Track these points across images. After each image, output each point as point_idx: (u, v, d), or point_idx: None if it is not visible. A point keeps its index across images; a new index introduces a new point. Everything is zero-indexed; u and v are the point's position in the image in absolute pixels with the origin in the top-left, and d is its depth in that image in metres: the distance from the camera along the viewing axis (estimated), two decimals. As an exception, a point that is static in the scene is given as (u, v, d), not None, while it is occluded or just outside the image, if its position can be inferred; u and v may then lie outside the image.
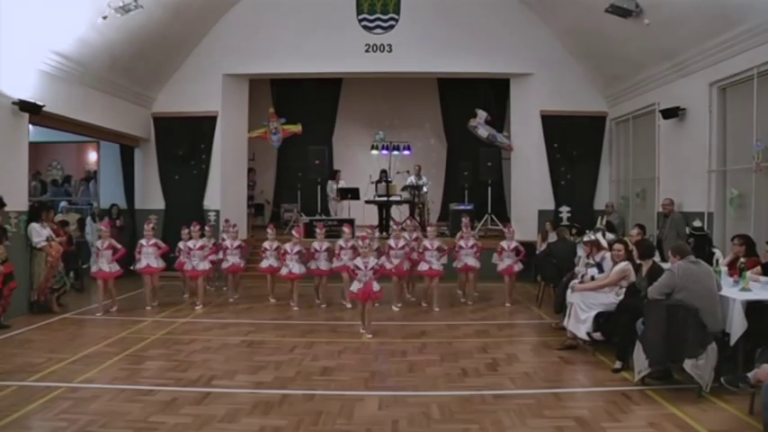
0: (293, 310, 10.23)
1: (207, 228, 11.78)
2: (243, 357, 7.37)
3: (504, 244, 10.71)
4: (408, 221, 11.62)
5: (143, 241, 10.34)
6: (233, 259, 10.96)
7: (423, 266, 10.28)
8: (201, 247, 10.40)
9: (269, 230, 11.01)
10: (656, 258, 7.50)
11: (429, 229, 11.04)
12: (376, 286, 8.32)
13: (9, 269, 8.90)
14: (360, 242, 9.23)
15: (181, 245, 10.86)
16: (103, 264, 9.81)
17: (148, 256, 10.19)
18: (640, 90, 12.47)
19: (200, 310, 10.14)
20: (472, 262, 10.56)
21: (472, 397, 5.83)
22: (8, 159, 9.59)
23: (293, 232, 10.76)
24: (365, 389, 6.14)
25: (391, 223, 11.16)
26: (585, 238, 8.48)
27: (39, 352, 7.48)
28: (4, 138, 9.50)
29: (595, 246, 8.21)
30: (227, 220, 12.03)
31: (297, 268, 10.20)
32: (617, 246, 7.45)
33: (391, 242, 10.38)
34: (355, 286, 8.36)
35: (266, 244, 10.83)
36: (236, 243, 11.07)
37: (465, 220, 11.10)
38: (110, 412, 5.41)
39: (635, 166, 13.30)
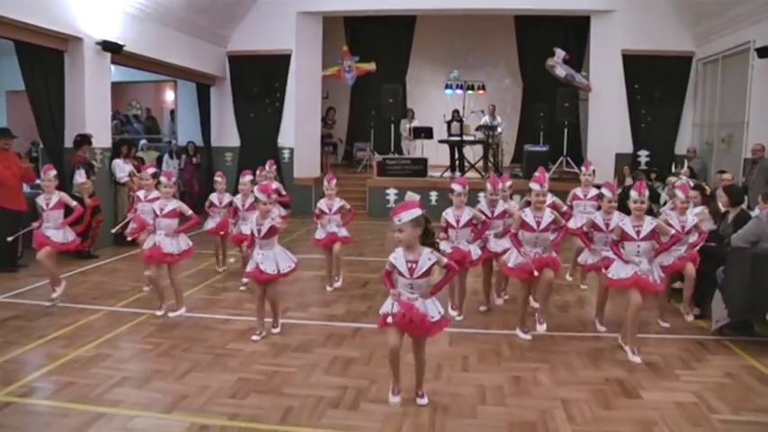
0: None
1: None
2: (315, 291, 7.57)
3: (672, 217, 6.05)
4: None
5: (141, 194, 7.38)
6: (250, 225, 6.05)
7: (622, 272, 5.25)
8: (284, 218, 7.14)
9: (326, 182, 7.36)
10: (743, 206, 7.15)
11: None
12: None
13: (96, 203, 9.42)
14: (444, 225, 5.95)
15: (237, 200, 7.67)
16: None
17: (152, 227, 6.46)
18: (733, 27, 11.64)
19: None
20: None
21: (543, 337, 5.81)
22: (93, 98, 9.95)
23: (256, 190, 5.89)
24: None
25: (533, 184, 5.65)
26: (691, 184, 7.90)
27: (124, 281, 7.96)
28: (90, 78, 9.84)
29: (702, 192, 7.73)
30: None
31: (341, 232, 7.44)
32: (693, 192, 7.09)
33: (527, 215, 5.56)
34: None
35: (323, 205, 7.43)
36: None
37: (585, 168, 7.77)
38: (190, 338, 5.69)
39: (722, 109, 12.56)
